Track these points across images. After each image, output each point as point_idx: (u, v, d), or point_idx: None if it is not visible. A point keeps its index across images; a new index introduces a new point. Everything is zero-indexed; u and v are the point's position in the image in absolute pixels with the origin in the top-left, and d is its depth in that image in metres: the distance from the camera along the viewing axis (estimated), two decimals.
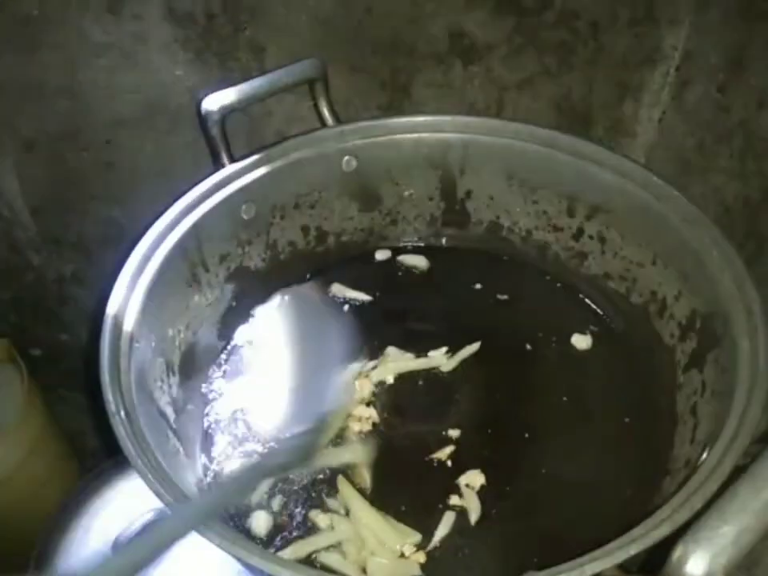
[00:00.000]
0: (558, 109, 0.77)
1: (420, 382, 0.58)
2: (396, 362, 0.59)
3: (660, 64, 0.73)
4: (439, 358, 0.59)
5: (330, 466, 0.53)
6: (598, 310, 0.64)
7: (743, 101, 0.65)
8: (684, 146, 0.73)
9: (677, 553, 0.32)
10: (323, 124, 0.64)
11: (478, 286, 0.66)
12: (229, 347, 0.62)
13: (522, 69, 0.73)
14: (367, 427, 0.55)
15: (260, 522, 0.50)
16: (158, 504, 0.49)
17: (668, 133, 0.76)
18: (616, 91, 0.76)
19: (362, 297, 0.65)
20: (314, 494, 0.52)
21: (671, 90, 0.74)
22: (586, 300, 0.65)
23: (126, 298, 0.51)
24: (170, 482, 0.41)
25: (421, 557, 0.48)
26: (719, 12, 0.66)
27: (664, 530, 0.37)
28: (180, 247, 0.55)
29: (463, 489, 0.51)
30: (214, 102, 0.57)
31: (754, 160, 0.64)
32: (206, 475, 0.53)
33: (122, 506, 0.64)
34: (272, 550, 0.48)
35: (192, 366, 0.58)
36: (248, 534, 0.50)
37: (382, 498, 0.51)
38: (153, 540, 0.37)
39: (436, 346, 0.60)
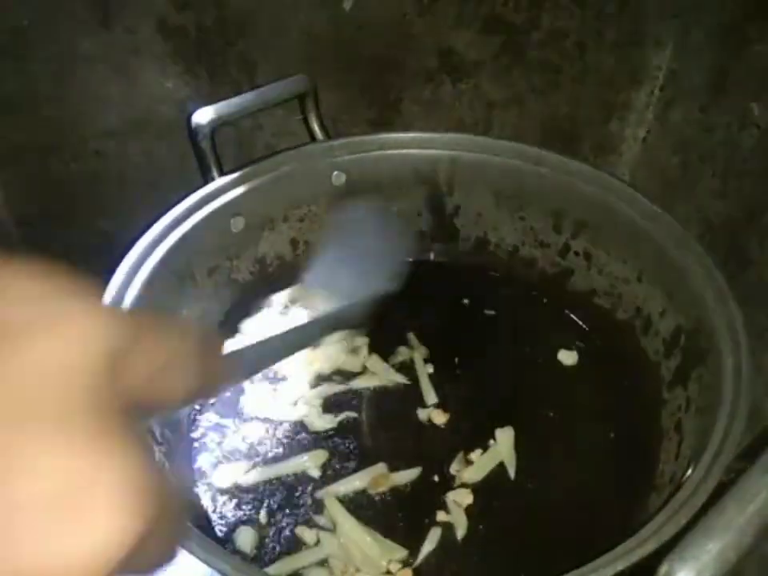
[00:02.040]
0: (544, 126, 0.78)
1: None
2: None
3: (645, 84, 0.75)
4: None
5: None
6: (584, 326, 0.64)
7: (726, 121, 0.66)
8: (668, 164, 0.75)
9: (663, 569, 0.32)
10: (313, 139, 0.64)
11: (466, 301, 0.66)
12: None
13: (509, 87, 0.74)
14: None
15: (246, 538, 0.49)
16: None
17: (652, 151, 0.78)
18: (602, 110, 0.77)
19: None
20: (300, 510, 0.51)
21: (655, 110, 0.76)
22: (572, 316, 0.65)
23: None
24: None
25: (407, 573, 0.48)
26: (702, 34, 0.68)
27: (649, 547, 0.37)
28: (168, 260, 0.55)
29: (450, 505, 0.51)
30: (205, 115, 0.57)
31: (736, 179, 0.65)
32: (192, 490, 0.53)
33: None
34: (257, 567, 0.48)
35: None
36: (234, 550, 0.49)
37: (368, 514, 0.51)
38: None
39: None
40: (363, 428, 0.57)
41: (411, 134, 0.65)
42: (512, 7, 0.69)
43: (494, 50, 0.71)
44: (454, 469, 0.53)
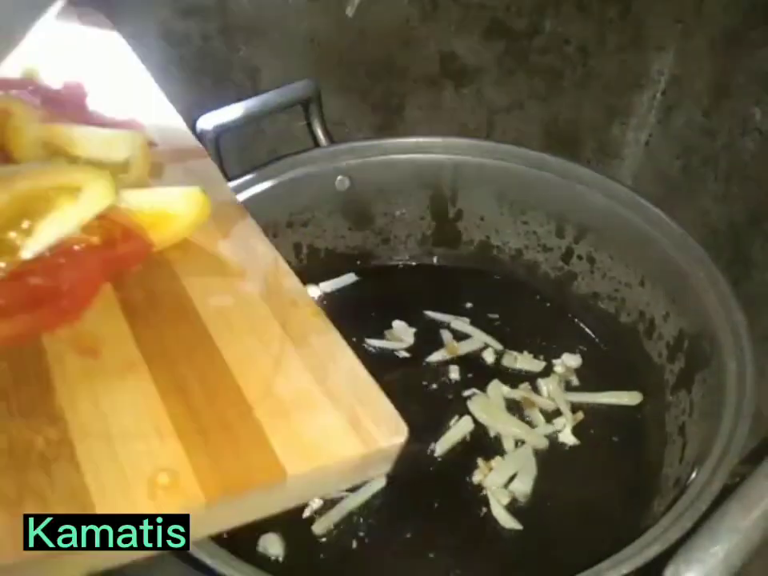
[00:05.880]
0: (547, 131, 0.78)
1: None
2: None
3: (647, 88, 0.75)
4: None
5: None
6: (588, 330, 0.65)
7: (728, 125, 0.66)
8: (670, 168, 0.75)
9: (668, 573, 0.32)
10: (317, 144, 0.64)
11: (469, 304, 0.66)
12: None
13: (512, 92, 0.74)
14: None
15: (273, 544, 0.49)
16: None
17: (655, 155, 0.78)
18: (604, 114, 0.77)
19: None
20: None
21: (657, 114, 0.76)
22: (576, 319, 0.65)
23: None
24: None
25: None
26: (704, 40, 0.68)
27: (655, 550, 0.37)
28: None
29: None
30: (209, 121, 0.58)
31: (739, 183, 0.66)
32: None
33: None
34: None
35: None
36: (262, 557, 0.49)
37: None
38: None
39: None
40: None
41: (414, 139, 0.65)
42: (514, 13, 0.69)
43: (497, 55, 0.72)
44: (476, 479, 0.53)
